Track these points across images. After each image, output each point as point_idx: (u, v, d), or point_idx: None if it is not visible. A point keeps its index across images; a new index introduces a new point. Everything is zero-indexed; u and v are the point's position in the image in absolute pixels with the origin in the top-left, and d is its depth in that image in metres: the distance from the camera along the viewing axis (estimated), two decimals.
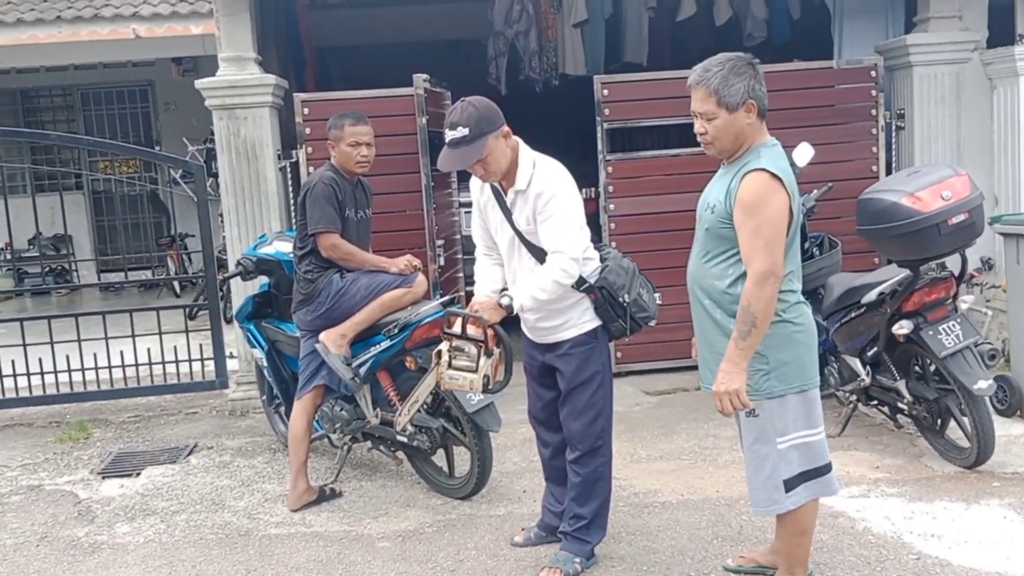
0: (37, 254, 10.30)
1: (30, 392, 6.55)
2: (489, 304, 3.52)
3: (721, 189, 3.13)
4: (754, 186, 3.01)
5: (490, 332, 3.48)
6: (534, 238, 3.57)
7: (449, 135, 3.51)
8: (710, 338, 3.24)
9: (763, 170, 3.02)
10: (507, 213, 3.63)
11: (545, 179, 3.54)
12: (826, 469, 3.25)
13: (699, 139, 3.17)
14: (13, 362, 6.44)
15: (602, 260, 3.69)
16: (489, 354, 3.49)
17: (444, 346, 3.57)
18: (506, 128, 3.55)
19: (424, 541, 4.14)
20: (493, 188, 3.68)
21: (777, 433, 3.16)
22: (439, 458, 4.71)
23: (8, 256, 10.52)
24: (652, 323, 3.79)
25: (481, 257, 3.90)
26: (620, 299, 3.62)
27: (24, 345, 6.45)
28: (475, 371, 3.50)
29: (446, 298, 4.72)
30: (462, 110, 3.50)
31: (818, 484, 3.24)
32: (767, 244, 2.99)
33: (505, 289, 3.69)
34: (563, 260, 3.46)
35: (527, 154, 3.61)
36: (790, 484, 3.18)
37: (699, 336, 3.33)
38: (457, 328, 3.52)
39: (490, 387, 3.56)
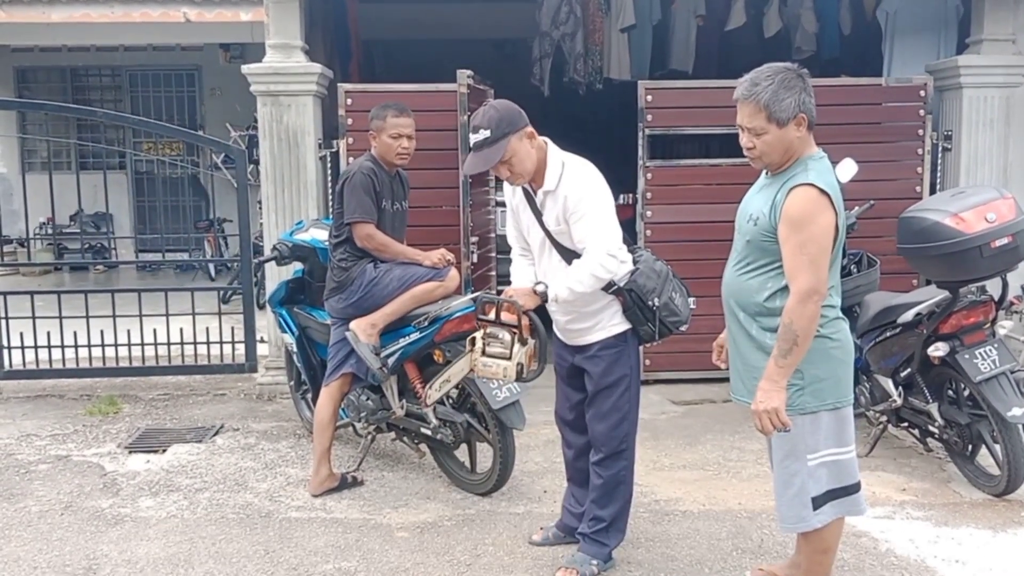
0: (78, 230, 10.46)
1: (63, 364, 6.67)
2: (524, 291, 3.52)
3: (765, 201, 3.07)
4: (801, 201, 2.95)
5: (524, 320, 3.47)
6: (564, 238, 3.57)
7: (472, 139, 3.56)
8: (743, 351, 3.20)
9: (811, 185, 2.95)
10: (537, 214, 3.64)
11: (574, 179, 3.54)
12: (854, 488, 3.20)
13: (746, 153, 3.11)
14: (48, 334, 6.54)
15: (634, 263, 3.67)
16: (523, 342, 3.47)
17: (478, 333, 3.55)
18: (530, 129, 3.57)
19: (442, 534, 4.14)
20: (524, 190, 3.69)
21: (808, 450, 3.11)
22: (462, 453, 4.71)
23: (49, 231, 10.67)
24: (683, 328, 3.74)
25: (517, 257, 3.90)
26: (649, 303, 3.59)
27: (60, 318, 6.55)
28: (509, 358, 3.48)
29: (477, 294, 4.71)
30: (483, 113, 3.56)
31: (845, 503, 3.19)
32: (812, 261, 2.93)
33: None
34: (601, 255, 3.45)
35: (556, 154, 3.62)
36: (817, 502, 3.13)
37: (732, 348, 3.29)
38: (491, 315, 3.50)
39: (524, 375, 3.54)
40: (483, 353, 3.54)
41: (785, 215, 2.97)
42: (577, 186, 3.52)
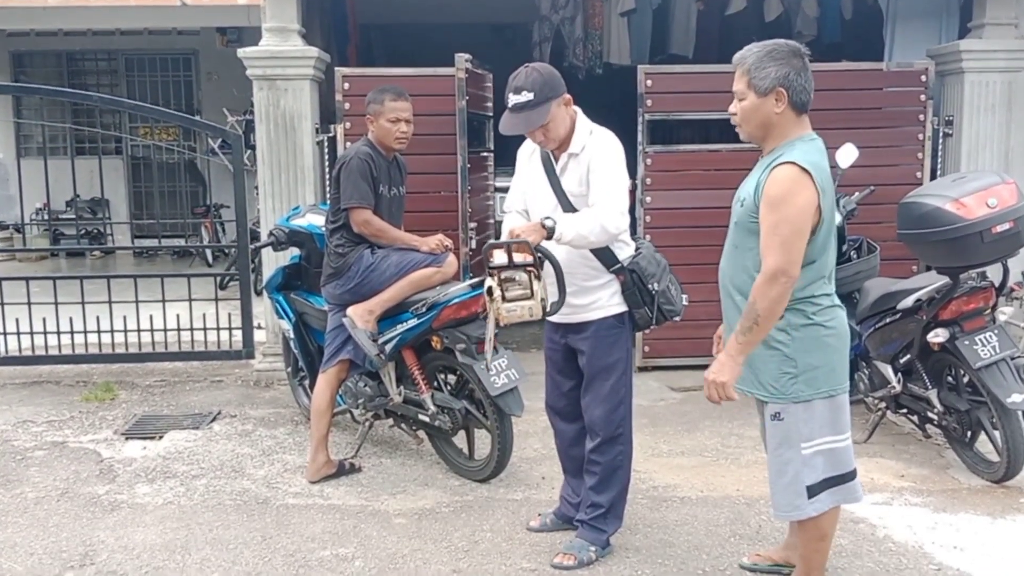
0: (74, 216, 10.41)
1: (59, 351, 6.64)
2: (531, 227, 3.44)
3: (753, 182, 3.06)
4: (780, 181, 2.92)
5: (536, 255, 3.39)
6: (580, 202, 3.54)
7: (513, 99, 3.49)
8: None
9: (792, 163, 2.92)
10: (554, 181, 3.61)
11: (602, 143, 3.55)
12: (851, 476, 3.18)
13: (732, 120, 3.12)
14: (44, 320, 6.51)
15: (635, 251, 3.69)
16: (539, 277, 3.40)
17: (492, 282, 3.44)
18: (568, 96, 3.56)
19: (440, 520, 4.13)
20: (543, 155, 3.65)
21: (802, 438, 3.09)
22: (460, 439, 4.70)
23: (45, 216, 10.64)
24: (676, 318, 3.77)
25: (512, 215, 3.83)
26: (649, 286, 3.61)
27: (56, 304, 6.52)
28: (531, 297, 3.41)
29: (475, 280, 4.68)
30: (527, 75, 3.50)
31: (842, 491, 3.17)
32: (783, 242, 2.90)
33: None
34: (612, 211, 3.43)
35: (584, 122, 3.62)
36: (813, 490, 3.11)
37: (728, 332, 3.26)
38: (500, 260, 3.41)
39: (548, 310, 3.49)
40: (504, 299, 3.45)
41: (765, 194, 2.95)
42: (602, 148, 3.53)
